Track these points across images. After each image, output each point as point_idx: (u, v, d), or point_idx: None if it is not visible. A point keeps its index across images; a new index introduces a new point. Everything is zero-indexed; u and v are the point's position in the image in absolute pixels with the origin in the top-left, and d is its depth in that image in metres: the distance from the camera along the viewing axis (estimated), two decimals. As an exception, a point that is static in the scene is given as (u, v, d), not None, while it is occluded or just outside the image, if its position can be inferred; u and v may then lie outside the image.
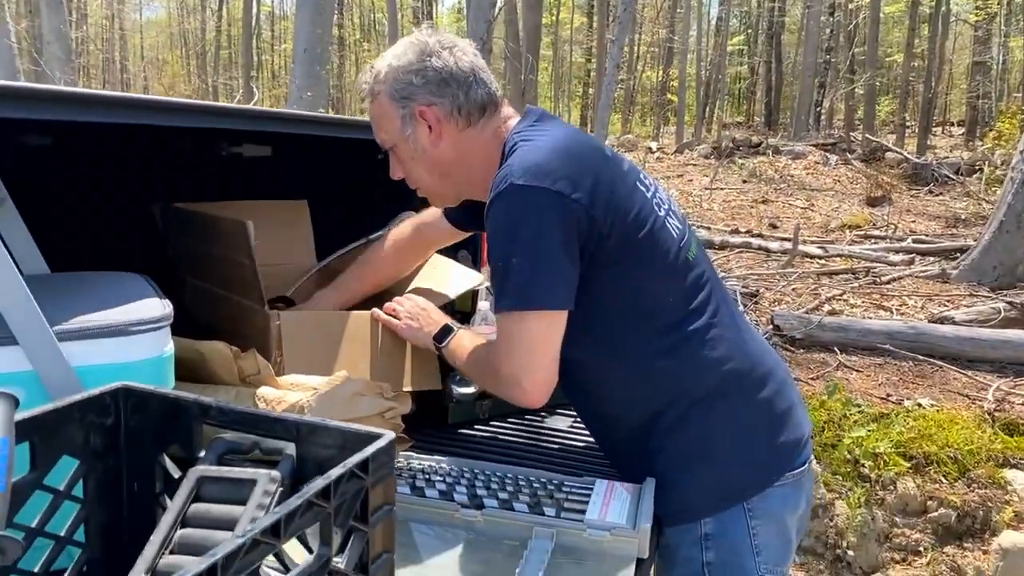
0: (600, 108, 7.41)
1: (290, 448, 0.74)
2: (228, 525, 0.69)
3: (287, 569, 0.68)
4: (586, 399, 1.30)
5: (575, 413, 1.65)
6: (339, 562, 0.64)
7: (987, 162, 11.31)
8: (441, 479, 1.22)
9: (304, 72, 5.01)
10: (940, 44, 22.65)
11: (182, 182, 1.90)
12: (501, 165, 1.15)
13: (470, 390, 1.59)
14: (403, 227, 1.65)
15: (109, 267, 1.17)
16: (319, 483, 0.59)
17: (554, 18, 24.53)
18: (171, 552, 0.69)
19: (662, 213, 1.20)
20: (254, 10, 23.65)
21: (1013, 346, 3.95)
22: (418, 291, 1.71)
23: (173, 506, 0.72)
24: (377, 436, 0.68)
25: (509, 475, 1.24)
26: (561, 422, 1.62)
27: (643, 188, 1.20)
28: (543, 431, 1.57)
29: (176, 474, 0.79)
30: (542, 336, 1.12)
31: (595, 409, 1.31)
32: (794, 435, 1.22)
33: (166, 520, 0.70)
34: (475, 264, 2.01)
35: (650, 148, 14.13)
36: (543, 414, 1.66)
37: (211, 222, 1.49)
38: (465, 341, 1.34)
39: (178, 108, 1.27)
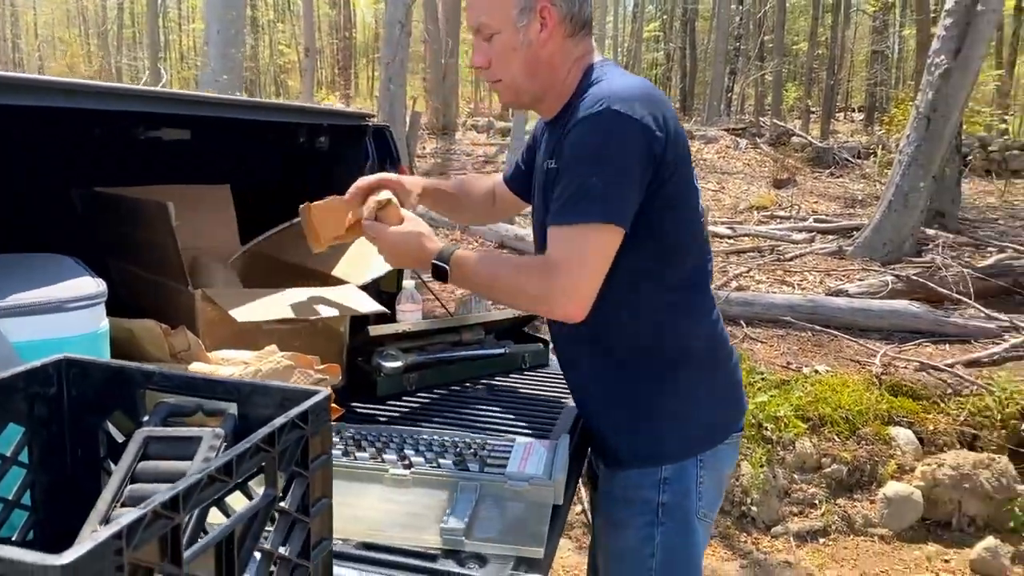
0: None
1: (232, 408, 0.80)
2: (176, 478, 0.76)
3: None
4: (589, 334, 1.29)
5: (498, 383, 1.76)
6: (283, 505, 0.72)
7: (882, 146, 12.03)
8: (371, 444, 1.30)
9: (218, 54, 4.90)
10: (842, 33, 23.79)
11: (102, 166, 1.89)
12: (580, 88, 1.24)
13: (397, 364, 1.67)
14: (481, 180, 1.71)
15: (30, 251, 1.19)
16: (265, 430, 0.67)
17: (473, 1, 24.43)
18: (122, 505, 0.75)
19: (696, 182, 1.32)
20: (159, -13, 22.58)
21: (898, 315, 4.30)
22: (339, 276, 1.77)
23: (121, 464, 0.77)
24: (314, 392, 0.76)
25: (435, 438, 1.33)
26: (484, 391, 1.71)
27: (689, 152, 1.30)
28: (467, 399, 1.66)
29: (120, 439, 0.84)
30: (602, 249, 1.16)
31: (592, 347, 1.33)
32: (741, 404, 1.41)
33: (115, 477, 0.76)
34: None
35: (570, 132, 14.34)
36: (467, 384, 1.75)
37: (132, 205, 1.51)
38: (476, 255, 1.28)
39: (95, 91, 1.28)
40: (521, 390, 1.72)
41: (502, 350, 1.85)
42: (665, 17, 29.99)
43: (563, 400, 1.66)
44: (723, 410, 1.37)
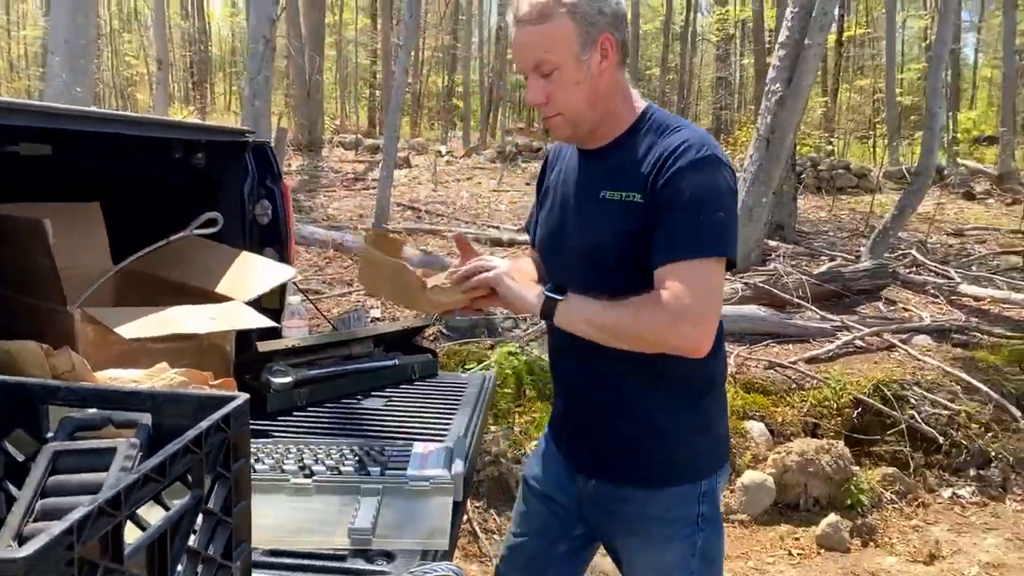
0: (390, 111, 7.53)
1: (145, 419, 0.81)
2: (93, 490, 0.76)
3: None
4: (644, 360, 1.28)
5: (390, 394, 1.80)
6: (209, 505, 0.74)
7: (729, 165, 12.96)
8: (267, 455, 1.31)
9: (66, 65, 4.59)
10: (690, 60, 25.54)
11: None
12: (647, 124, 1.31)
13: (287, 379, 1.68)
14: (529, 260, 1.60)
15: None
16: (192, 433, 0.70)
17: (337, 18, 24.10)
18: (35, 520, 0.74)
19: None
20: (-16, -11, 20.61)
21: (748, 319, 4.70)
22: (223, 292, 1.76)
23: (30, 481, 0.77)
24: (233, 397, 0.79)
25: (335, 447, 1.36)
26: (377, 402, 1.75)
27: None
28: (361, 411, 1.69)
29: (21, 458, 0.83)
30: (721, 284, 1.28)
31: (643, 371, 1.32)
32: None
33: (26, 492, 0.75)
34: (283, 259, 2.08)
35: (439, 151, 14.45)
36: (359, 397, 1.78)
37: (1, 223, 1.44)
38: (582, 302, 1.27)
39: None
40: (413, 399, 1.77)
41: (392, 362, 1.89)
42: (528, 40, 30.87)
43: (455, 406, 1.73)
44: (728, 429, 1.50)
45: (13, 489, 0.83)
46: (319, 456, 1.32)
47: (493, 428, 3.20)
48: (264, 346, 1.71)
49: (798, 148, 10.55)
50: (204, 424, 0.72)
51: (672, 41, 24.90)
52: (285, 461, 1.29)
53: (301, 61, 13.32)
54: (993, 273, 6.96)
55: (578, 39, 1.24)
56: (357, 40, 26.30)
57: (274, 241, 2.11)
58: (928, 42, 22.43)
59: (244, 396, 0.80)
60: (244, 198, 2.00)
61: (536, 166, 12.80)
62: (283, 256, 2.10)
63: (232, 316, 1.60)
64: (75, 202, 1.88)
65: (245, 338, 1.74)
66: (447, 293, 1.35)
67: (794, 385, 3.89)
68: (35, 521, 0.74)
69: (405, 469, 1.27)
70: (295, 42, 13.15)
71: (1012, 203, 11.83)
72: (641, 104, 1.36)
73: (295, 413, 1.66)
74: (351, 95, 27.01)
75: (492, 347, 3.91)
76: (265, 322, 1.63)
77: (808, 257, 7.10)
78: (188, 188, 2.05)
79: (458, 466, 1.27)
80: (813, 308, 5.02)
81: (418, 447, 1.36)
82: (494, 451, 3.10)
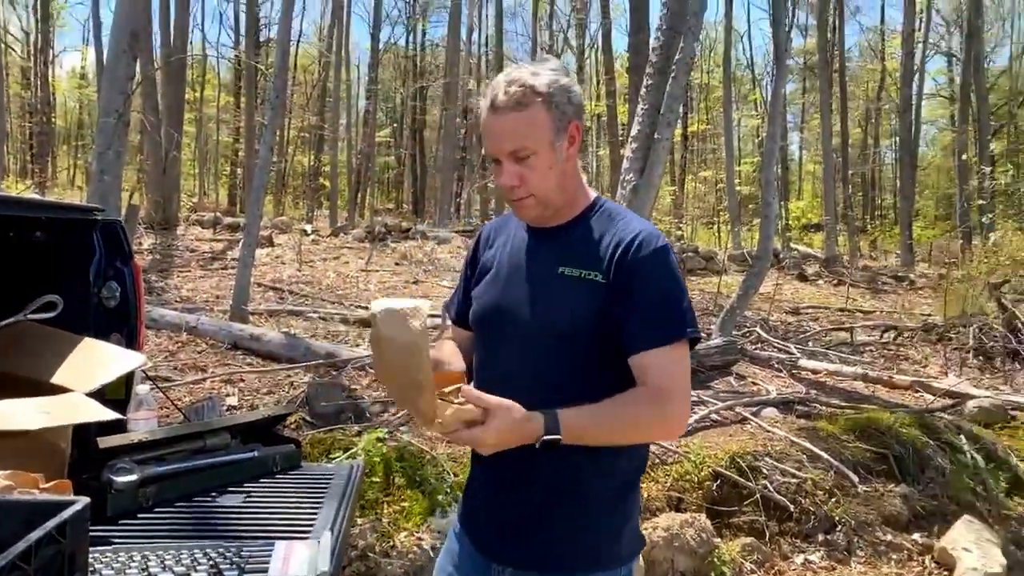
0: (253, 188, 7.34)
1: (-39, 532, 0.72)
2: None
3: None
4: (596, 455, 1.33)
5: (249, 489, 1.68)
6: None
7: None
8: (106, 566, 1.18)
9: None
10: (550, 149, 26.88)
11: None
12: (600, 207, 1.42)
13: (132, 478, 1.53)
14: (451, 344, 1.58)
15: None
16: (20, 546, 0.62)
17: (197, 95, 23.53)
18: None
19: None
20: None
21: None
22: (60, 383, 1.61)
23: None
24: (71, 502, 0.71)
25: (184, 551, 1.25)
26: (235, 499, 1.63)
27: None
28: (217, 509, 1.57)
29: None
30: (689, 363, 1.35)
31: (592, 469, 1.35)
32: None
33: None
34: (131, 345, 1.94)
35: (305, 230, 14.19)
36: (214, 494, 1.65)
37: None
38: (576, 411, 1.25)
39: None
40: (275, 494, 1.67)
41: (251, 454, 1.78)
42: (395, 125, 31.51)
43: (320, 499, 1.64)
44: (637, 524, 1.50)
45: None
46: (167, 563, 1.20)
47: (360, 520, 3.06)
48: (105, 442, 1.56)
49: (652, 233, 11.25)
50: (34, 535, 0.64)
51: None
52: (127, 571, 1.16)
53: (157, 137, 12.81)
54: (827, 348, 7.63)
55: (552, 126, 1.32)
56: (219, 117, 25.74)
57: (122, 326, 1.97)
58: (760, 139, 24.99)
59: (83, 500, 0.73)
60: (90, 280, 1.86)
61: (404, 247, 12.89)
62: (131, 342, 1.96)
63: (68, 409, 1.47)
64: None
65: (84, 434, 1.59)
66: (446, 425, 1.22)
67: (658, 460, 4.01)
68: None
69: (266, 571, 1.18)
70: (151, 117, 12.67)
71: (838, 284, 13.14)
72: (591, 191, 1.46)
73: (141, 515, 1.51)
74: (211, 172, 26.19)
75: (359, 434, 3.78)
76: (107, 415, 1.50)
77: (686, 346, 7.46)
78: (28, 269, 1.89)
79: (323, 564, 1.20)
80: (672, 384, 5.26)
81: (280, 546, 1.28)
82: (361, 545, 2.95)
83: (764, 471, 3.94)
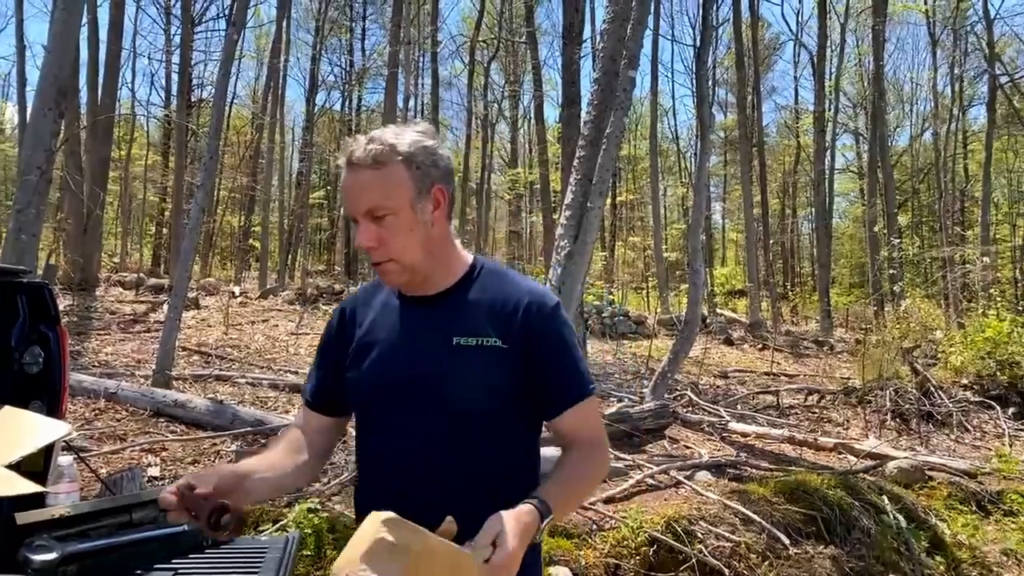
0: (183, 251, 7.16)
1: None
2: None
3: None
4: (492, 492, 1.27)
5: (177, 566, 1.60)
6: None
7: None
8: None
9: None
10: (485, 214, 27.32)
11: None
12: (476, 277, 1.38)
13: (51, 556, 1.44)
14: (276, 455, 1.47)
15: None
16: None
17: (124, 153, 23.01)
18: None
19: None
20: None
21: (547, 461, 4.81)
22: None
23: None
24: (4, 584, 0.68)
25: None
26: (165, 575, 1.55)
27: None
28: (141, 587, 1.48)
29: None
30: None
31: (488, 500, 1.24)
32: None
33: None
34: (52, 412, 1.85)
35: (233, 292, 13.85)
36: (139, 572, 1.56)
37: None
38: (557, 485, 1.29)
39: None
40: (207, 570, 1.59)
41: (181, 528, 1.70)
42: (329, 187, 31.45)
43: (256, 574, 1.58)
44: None
45: None
46: (91, 648, 1.13)
47: (290, 595, 2.92)
48: (23, 517, 1.47)
49: (584, 297, 11.46)
50: (-34, 622, 0.61)
51: (468, 196, 26.61)
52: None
53: (80, 195, 12.42)
54: (755, 411, 7.84)
55: (414, 187, 1.28)
56: (146, 176, 25.17)
57: (43, 393, 1.88)
58: (686, 207, 26.03)
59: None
60: (11, 344, 1.78)
61: (337, 310, 12.68)
62: (53, 410, 1.86)
63: None
64: None
65: (-2, 509, 1.49)
66: None
67: (595, 526, 4.00)
68: None
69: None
70: (75, 175, 12.30)
71: (762, 348, 13.59)
72: (467, 254, 1.43)
73: (59, 596, 1.42)
74: (134, 232, 25.44)
75: (289, 504, 3.64)
76: (28, 488, 1.41)
77: (599, 398, 7.56)
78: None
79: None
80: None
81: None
82: (291, 622, 2.81)
83: (699, 535, 3.97)
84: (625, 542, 3.87)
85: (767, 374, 10.69)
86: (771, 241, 24.61)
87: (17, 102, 18.47)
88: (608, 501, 4.37)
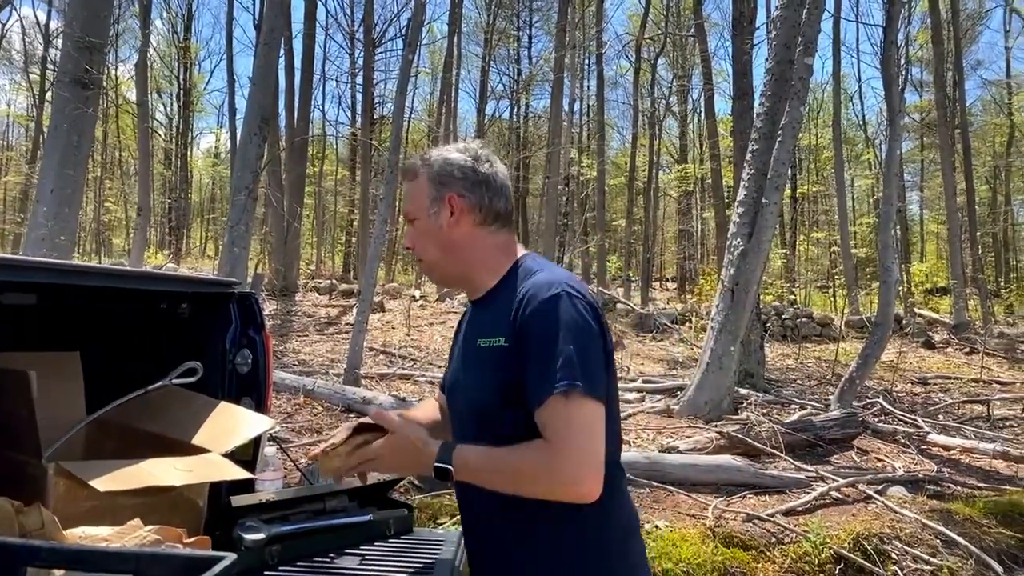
0: (369, 259, 7.71)
1: (127, 581, 0.80)
2: (67, 660, 0.73)
3: None
4: (556, 516, 1.28)
5: (364, 552, 1.74)
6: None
7: (695, 313, 13.36)
8: (239, 622, 1.25)
9: (50, 213, 4.70)
10: (653, 213, 26.84)
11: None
12: (516, 278, 1.36)
13: (259, 536, 1.62)
14: (432, 406, 1.69)
15: None
16: (181, 598, 0.68)
17: (317, 169, 25.15)
18: None
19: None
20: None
21: (724, 469, 4.67)
22: (200, 444, 1.74)
23: (1, 651, 0.74)
24: (221, 557, 0.78)
25: (308, 610, 1.31)
26: (351, 561, 1.68)
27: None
28: (335, 570, 1.63)
29: (-10, 625, 0.79)
30: (599, 423, 1.22)
31: (534, 517, 1.30)
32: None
33: (-4, 664, 0.72)
34: (260, 408, 2.07)
35: (414, 296, 14.66)
36: (332, 555, 1.71)
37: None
38: (474, 449, 1.29)
39: None
40: (389, 557, 1.71)
41: (367, 517, 1.84)
42: (499, 193, 32.41)
43: (431, 566, 1.67)
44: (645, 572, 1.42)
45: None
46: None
47: (466, 587, 3.05)
48: (237, 500, 1.66)
49: (762, 298, 10.93)
50: (193, 588, 0.71)
51: (636, 195, 26.26)
52: (257, 626, 1.23)
53: (281, 210, 13.73)
54: (960, 422, 7.07)
55: (428, 195, 1.41)
56: (336, 190, 27.33)
57: (252, 391, 2.11)
58: (877, 198, 24.00)
59: (231, 556, 0.79)
60: (226, 348, 2.02)
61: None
62: (260, 406, 2.09)
63: (208, 468, 1.58)
64: (55, 351, 1.88)
65: (217, 493, 1.70)
66: (338, 459, 1.41)
67: (774, 539, 3.81)
68: None
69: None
70: (276, 191, 13.63)
71: (969, 352, 12.21)
72: (520, 251, 1.45)
73: (266, 573, 1.59)
74: (327, 241, 27.67)
75: (465, 498, 3.80)
76: (241, 474, 1.60)
77: (779, 405, 7.17)
78: (171, 337, 2.07)
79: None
80: (787, 458, 5.01)
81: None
82: (467, 612, 2.94)
83: (893, 555, 3.66)
84: (807, 557, 3.65)
85: (976, 381, 9.59)
86: (979, 232, 22.04)
87: (229, 129, 20.84)
88: (788, 513, 4.15)
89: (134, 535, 1.23)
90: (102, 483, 1.31)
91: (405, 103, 8.85)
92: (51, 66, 22.66)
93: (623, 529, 1.36)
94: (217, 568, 0.75)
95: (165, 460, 1.54)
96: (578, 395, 1.19)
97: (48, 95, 22.79)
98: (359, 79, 22.51)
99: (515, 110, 30.39)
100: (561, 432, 1.19)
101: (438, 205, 1.41)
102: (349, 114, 26.15)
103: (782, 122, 6.58)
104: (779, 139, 6.57)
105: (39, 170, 5.59)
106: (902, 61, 19.43)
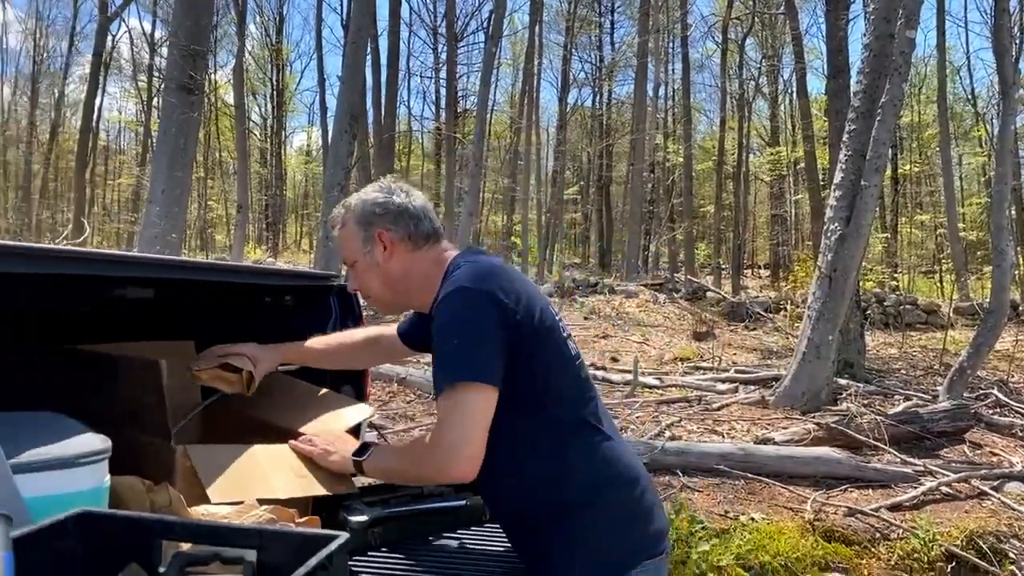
0: (454, 251, 7.84)
1: (251, 555, 0.85)
2: (200, 626, 0.79)
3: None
4: (500, 477, 1.42)
5: (461, 536, 1.78)
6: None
7: (790, 301, 12.90)
8: (348, 599, 1.31)
9: (163, 212, 5.01)
10: (743, 198, 26.04)
11: (63, 325, 1.92)
12: (443, 283, 1.43)
13: (364, 518, 1.68)
14: (354, 332, 1.92)
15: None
16: (301, 571, 0.72)
17: (404, 165, 25.71)
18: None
19: (564, 335, 1.49)
20: (89, 144, 22.89)
21: (823, 462, 4.50)
22: (308, 432, 1.81)
23: (143, 615, 0.80)
24: (335, 536, 0.82)
25: (412, 591, 1.35)
26: (450, 544, 1.73)
27: (552, 312, 1.49)
28: (435, 553, 1.67)
29: (131, 592, 0.86)
30: (479, 408, 1.31)
31: (506, 487, 1.45)
32: (655, 527, 1.47)
33: (139, 627, 0.78)
34: (359, 396, 2.15)
35: (498, 287, 14.80)
36: (431, 538, 1.76)
37: (117, 361, 1.55)
38: (385, 449, 1.52)
39: (71, 257, 1.36)
40: (487, 542, 1.75)
41: (463, 502, 1.88)
42: (582, 183, 32.22)
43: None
44: (633, 535, 1.44)
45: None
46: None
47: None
48: (342, 483, 1.73)
49: (861, 284, 10.44)
50: (312, 562, 0.75)
51: (725, 180, 25.53)
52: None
53: (370, 204, 14.11)
54: (1085, 415, 6.56)
55: (359, 237, 1.52)
56: (423, 184, 27.87)
57: (352, 379, 2.18)
58: (988, 178, 22.47)
59: (344, 535, 0.83)
60: (327, 337, 2.09)
61: (593, 301, 13.01)
62: (360, 394, 2.16)
63: (319, 478, 1.63)
64: (171, 340, 2.01)
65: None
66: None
67: (878, 535, 3.65)
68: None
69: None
70: (365, 187, 14.00)
71: (1096, 340, 11.28)
72: (450, 262, 1.50)
73: (369, 553, 1.65)
74: (414, 235, 28.25)
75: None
76: (351, 489, 1.65)
77: (881, 396, 6.85)
78: (275, 328, 2.17)
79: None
80: (892, 451, 4.79)
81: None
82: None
83: (1011, 555, 3.45)
84: (916, 554, 3.49)
85: (1104, 372, 8.86)
86: (1107, 211, 20.28)
87: (320, 127, 21.56)
88: (894, 508, 3.96)
89: (250, 514, 1.31)
90: (216, 493, 1.38)
91: (488, 95, 8.92)
92: (157, 73, 24.05)
93: (591, 484, 1.42)
94: (332, 546, 0.79)
95: (281, 460, 1.58)
96: (460, 388, 1.30)
97: (155, 101, 24.19)
98: (442, 74, 22.85)
99: (597, 97, 30.12)
100: (440, 425, 1.33)
101: (370, 244, 1.52)
102: (433, 109, 26.63)
103: (882, 100, 6.25)
104: (879, 118, 6.25)
105: (150, 172, 5.95)
106: (1015, 30, 18.07)
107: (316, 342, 1.86)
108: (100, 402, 1.64)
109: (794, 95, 24.01)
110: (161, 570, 0.86)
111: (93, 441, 1.05)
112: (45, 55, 31.14)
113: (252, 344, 1.77)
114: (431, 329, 1.40)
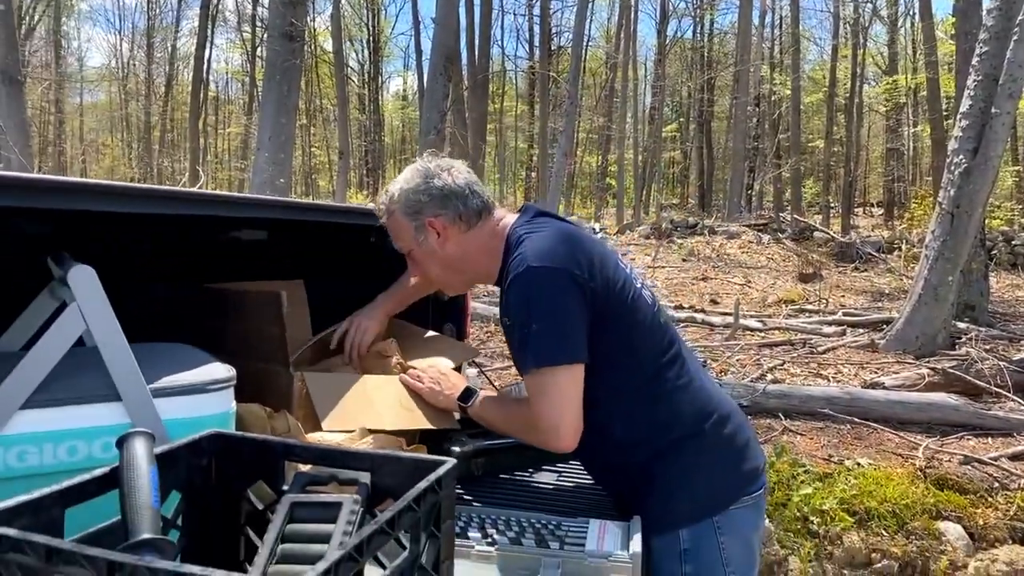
0: (550, 192, 7.81)
1: (365, 477, 0.90)
2: (322, 540, 0.85)
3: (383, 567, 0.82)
4: (589, 436, 1.43)
5: (560, 470, 1.83)
6: (423, 561, 0.81)
7: (904, 241, 12.16)
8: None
9: (270, 159, 5.22)
10: (856, 132, 24.44)
11: (184, 265, 2.05)
12: (507, 255, 1.41)
13: (467, 449, 1.75)
14: None
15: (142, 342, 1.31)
16: (413, 492, 0.76)
17: (498, 107, 25.56)
18: (277, 562, 0.84)
19: (638, 285, 1.46)
20: (201, 96, 23.98)
21: (938, 408, 4.29)
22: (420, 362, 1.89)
23: (273, 526, 0.87)
24: (444, 461, 0.86)
25: (513, 518, 1.41)
26: (548, 476, 1.78)
27: (623, 266, 1.45)
28: (534, 484, 1.73)
29: (260, 506, 0.94)
30: (570, 386, 1.34)
31: (597, 444, 1.47)
32: (751, 464, 1.48)
33: (269, 536, 0.85)
34: (460, 335, 2.21)
35: (594, 229, 14.67)
36: (530, 470, 1.82)
37: (240, 297, 1.65)
38: (491, 401, 1.57)
39: (194, 199, 1.44)
40: (583, 476, 1.79)
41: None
42: (682, 120, 31.10)
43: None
44: (729, 473, 1.45)
45: (252, 535, 0.94)
46: (499, 526, 1.36)
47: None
48: (446, 417, 1.80)
49: (987, 222, 9.70)
50: (422, 484, 0.79)
51: (836, 113, 24.02)
52: (469, 528, 1.34)
53: (466, 148, 14.18)
54: None
55: (411, 228, 1.48)
56: (516, 125, 27.68)
57: (452, 318, 2.24)
58: None
59: (452, 461, 0.87)
60: (429, 278, 2.15)
61: (691, 242, 12.71)
62: (460, 332, 2.22)
63: (426, 411, 1.71)
64: (283, 280, 2.11)
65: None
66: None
67: (996, 484, 3.48)
68: (276, 563, 0.84)
69: (583, 545, 1.28)
70: (460, 130, 14.07)
71: None
72: (509, 230, 1.47)
73: (472, 483, 1.72)
74: (508, 177, 28.27)
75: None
76: (453, 425, 1.72)
77: (1005, 341, 6.42)
78: (379, 267, 2.24)
79: (636, 545, 1.27)
80: (1016, 399, 4.51)
81: (594, 524, 1.37)
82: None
83: None
84: (1038, 506, 3.31)
85: None
86: None
87: (416, 71, 21.68)
88: (1015, 458, 3.76)
89: (362, 441, 1.39)
90: (329, 422, 1.47)
91: (583, 30, 8.68)
92: (260, 23, 24.71)
93: (679, 426, 1.43)
94: (441, 470, 0.82)
95: (390, 392, 1.66)
96: (547, 371, 1.33)
97: (259, 51, 24.93)
98: (536, 10, 22.34)
99: (699, 28, 28.72)
100: (534, 405, 1.37)
101: (422, 232, 1.48)
102: (527, 47, 26.16)
103: (1019, 18, 5.67)
104: (1015, 38, 5.68)
105: (257, 120, 6.19)
106: None
107: (406, 277, 1.89)
108: (227, 334, 1.77)
109: (916, 18, 22.07)
110: (284, 488, 0.92)
111: (220, 370, 1.13)
112: (158, 11, 32.53)
113: (358, 316, 1.84)
114: (501, 304, 1.44)
